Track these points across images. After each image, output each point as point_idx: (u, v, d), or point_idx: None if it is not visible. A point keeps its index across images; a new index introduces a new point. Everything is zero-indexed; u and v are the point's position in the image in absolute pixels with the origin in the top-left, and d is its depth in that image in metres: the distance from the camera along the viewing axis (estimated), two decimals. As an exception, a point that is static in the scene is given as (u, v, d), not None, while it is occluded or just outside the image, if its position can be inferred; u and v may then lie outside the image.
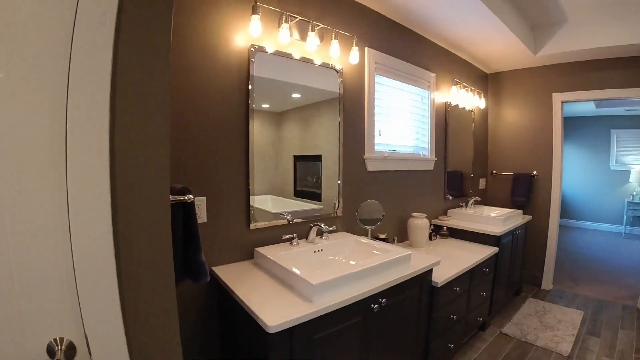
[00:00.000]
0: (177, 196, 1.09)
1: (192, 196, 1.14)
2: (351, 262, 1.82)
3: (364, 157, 2.37)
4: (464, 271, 2.17)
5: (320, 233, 1.91)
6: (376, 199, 2.40)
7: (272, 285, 1.46)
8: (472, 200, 3.46)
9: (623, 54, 3.14)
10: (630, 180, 6.36)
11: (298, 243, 1.83)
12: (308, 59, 1.97)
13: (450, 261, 2.27)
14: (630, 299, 3.40)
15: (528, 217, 3.51)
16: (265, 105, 1.78)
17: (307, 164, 2.01)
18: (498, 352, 2.46)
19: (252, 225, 1.77)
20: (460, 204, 3.46)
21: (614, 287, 3.73)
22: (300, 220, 1.99)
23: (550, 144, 3.65)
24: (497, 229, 2.74)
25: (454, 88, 3.24)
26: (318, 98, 2.06)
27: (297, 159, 1.95)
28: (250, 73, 1.70)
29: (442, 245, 2.72)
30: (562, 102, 3.57)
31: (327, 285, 1.31)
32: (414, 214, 2.61)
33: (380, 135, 2.50)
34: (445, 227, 2.96)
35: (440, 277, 1.97)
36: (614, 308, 3.23)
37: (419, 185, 2.94)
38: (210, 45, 1.58)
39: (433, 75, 3.00)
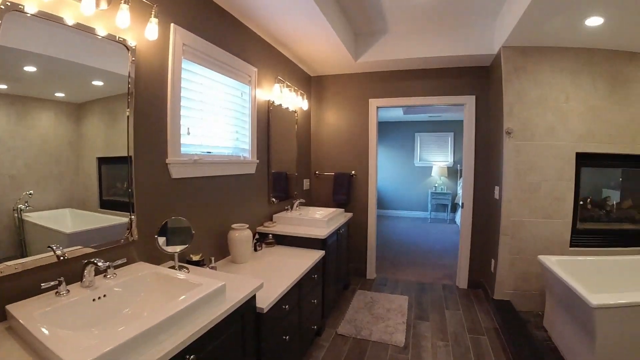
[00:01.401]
0: None
1: None
2: (144, 314, 1.32)
3: (167, 161, 1.86)
4: (291, 285, 1.96)
5: (101, 271, 1.35)
6: (186, 213, 1.95)
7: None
8: (297, 202, 3.38)
9: (426, 66, 3.65)
10: (432, 175, 8.08)
11: (68, 290, 1.22)
12: (87, 26, 1.39)
13: (277, 275, 2.04)
14: (447, 278, 3.94)
15: (350, 215, 3.68)
16: (59, 94, 1.36)
17: (115, 167, 1.60)
18: (337, 357, 2.39)
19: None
20: (286, 207, 3.33)
21: (430, 269, 4.30)
22: (90, 249, 1.43)
23: (367, 146, 3.96)
24: (321, 232, 2.68)
25: (277, 86, 3.06)
26: (126, 88, 1.60)
27: (102, 161, 1.53)
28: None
29: (268, 255, 2.47)
30: (378, 107, 3.92)
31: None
32: (234, 226, 2.27)
33: (189, 134, 2.04)
34: (271, 235, 2.74)
35: (267, 298, 1.69)
36: (435, 289, 3.64)
37: (240, 192, 2.61)
38: None
39: (255, 69, 2.73)
